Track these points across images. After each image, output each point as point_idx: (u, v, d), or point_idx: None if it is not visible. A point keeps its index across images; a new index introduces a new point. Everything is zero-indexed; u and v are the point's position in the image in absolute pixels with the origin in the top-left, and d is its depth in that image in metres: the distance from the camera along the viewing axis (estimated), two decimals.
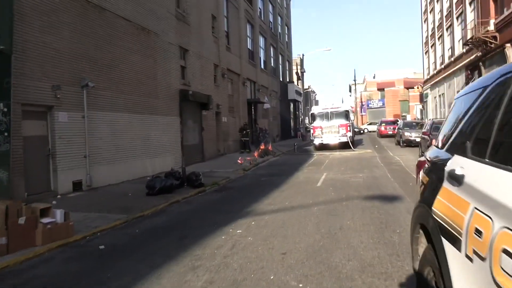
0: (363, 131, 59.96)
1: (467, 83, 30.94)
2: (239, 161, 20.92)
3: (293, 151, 29.23)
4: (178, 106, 20.47)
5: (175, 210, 10.45)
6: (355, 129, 56.22)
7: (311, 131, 29.37)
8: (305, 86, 70.11)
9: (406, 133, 27.97)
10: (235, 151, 27.83)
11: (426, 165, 3.60)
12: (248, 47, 35.17)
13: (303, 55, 48.27)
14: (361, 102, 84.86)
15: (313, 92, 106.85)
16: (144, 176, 16.10)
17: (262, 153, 24.75)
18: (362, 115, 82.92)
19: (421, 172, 3.64)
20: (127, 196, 12.40)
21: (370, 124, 68.07)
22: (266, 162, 22.56)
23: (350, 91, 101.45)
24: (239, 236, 7.01)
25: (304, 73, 49.78)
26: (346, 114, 28.48)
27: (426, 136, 18.42)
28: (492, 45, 25.08)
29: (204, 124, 23.75)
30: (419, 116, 54.37)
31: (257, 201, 10.57)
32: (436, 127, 18.81)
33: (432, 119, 25.67)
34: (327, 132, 28.00)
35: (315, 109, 30.26)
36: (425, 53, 50.48)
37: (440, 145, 3.55)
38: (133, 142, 16.24)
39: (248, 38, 35.23)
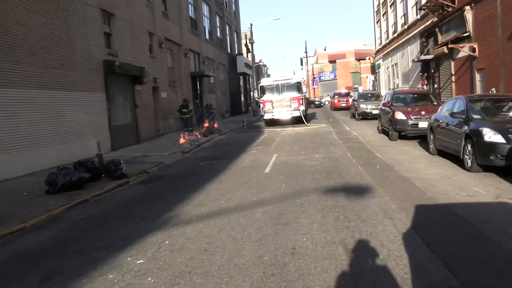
0: (323, 103, 57.47)
1: (421, 51, 29.40)
2: (180, 141, 18.16)
3: (242, 127, 26.78)
4: (103, 80, 17.29)
5: (74, 216, 7.73)
6: (315, 102, 54.26)
7: (261, 105, 26.87)
8: (256, 60, 67.35)
9: (362, 105, 26.17)
10: (178, 130, 24.90)
11: None
12: (190, 15, 31.82)
13: (251, 25, 45.25)
14: (313, 74, 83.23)
15: (265, 66, 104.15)
16: (60, 165, 13.07)
17: (206, 132, 22.08)
18: (314, 88, 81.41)
19: None
20: (19, 196, 9.47)
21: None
22: (210, 142, 19.96)
23: (301, 64, 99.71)
24: (135, 274, 4.45)
25: (254, 45, 46.91)
26: (298, 87, 26.13)
27: (387, 108, 16.39)
28: (450, 9, 23.34)
29: (138, 100, 20.67)
30: (371, 88, 53.16)
31: (185, 199, 8.03)
32: (397, 97, 16.88)
33: (393, 88, 23.89)
34: (278, 106, 25.58)
35: (264, 81, 27.67)
36: (377, 22, 48.81)
37: None
38: (39, 124, 13.09)
39: (189, 5, 31.82)
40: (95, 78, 16.64)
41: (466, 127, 9.07)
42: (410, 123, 14.47)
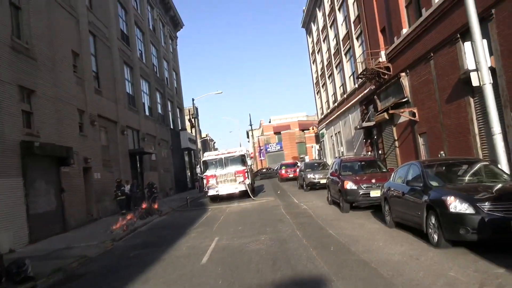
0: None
1: (363, 118, 29.65)
2: (113, 227, 16.10)
3: (185, 206, 24.93)
4: (20, 163, 15.24)
5: None
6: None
7: (205, 181, 25.30)
8: (203, 135, 66.41)
9: (309, 175, 25.32)
10: (115, 213, 22.65)
11: None
12: (127, 91, 30.68)
13: (193, 99, 44.82)
14: (259, 146, 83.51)
15: (211, 140, 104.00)
16: None
17: (144, 214, 20.03)
18: (261, 160, 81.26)
19: None
20: None
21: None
22: (147, 225, 17.92)
23: (248, 137, 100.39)
24: None
25: (199, 119, 46.19)
26: (242, 159, 25.00)
27: (335, 178, 15.42)
28: (386, 76, 23.76)
29: (66, 183, 18.54)
30: (317, 157, 53.34)
31: None
32: (345, 165, 16.02)
33: (339, 156, 23.26)
34: (223, 181, 24.16)
35: (207, 156, 26.35)
36: (317, 93, 50.11)
37: None
38: None
39: (126, 81, 30.77)
40: (9, 162, 14.59)
41: (426, 197, 7.99)
42: (361, 193, 13.46)
